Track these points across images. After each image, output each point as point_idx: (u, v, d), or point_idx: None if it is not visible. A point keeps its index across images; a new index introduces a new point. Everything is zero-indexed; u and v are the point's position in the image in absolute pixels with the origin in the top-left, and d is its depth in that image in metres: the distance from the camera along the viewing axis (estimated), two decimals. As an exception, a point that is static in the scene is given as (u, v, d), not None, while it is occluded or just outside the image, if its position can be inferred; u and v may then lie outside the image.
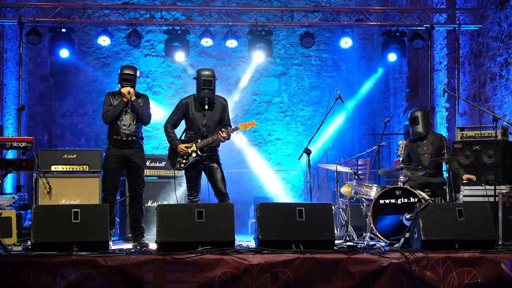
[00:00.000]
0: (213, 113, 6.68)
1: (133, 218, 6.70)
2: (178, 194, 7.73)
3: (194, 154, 6.57)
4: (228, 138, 6.61)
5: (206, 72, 6.69)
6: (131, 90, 6.63)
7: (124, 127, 6.60)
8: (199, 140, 6.60)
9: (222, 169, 6.70)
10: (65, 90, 13.01)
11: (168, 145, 6.78)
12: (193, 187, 6.64)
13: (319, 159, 11.95)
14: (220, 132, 6.55)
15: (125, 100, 6.62)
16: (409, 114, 7.65)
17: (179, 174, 7.71)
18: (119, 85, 6.74)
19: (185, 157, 6.59)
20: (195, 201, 6.56)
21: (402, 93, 12.65)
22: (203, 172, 6.70)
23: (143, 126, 6.81)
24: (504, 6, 8.70)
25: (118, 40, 12.37)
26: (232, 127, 6.69)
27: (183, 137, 6.78)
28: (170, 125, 6.77)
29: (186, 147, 6.59)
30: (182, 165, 6.62)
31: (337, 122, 13.01)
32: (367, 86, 13.31)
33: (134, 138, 6.63)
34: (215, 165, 6.65)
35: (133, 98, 6.63)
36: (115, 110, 6.60)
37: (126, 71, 6.70)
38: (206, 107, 6.59)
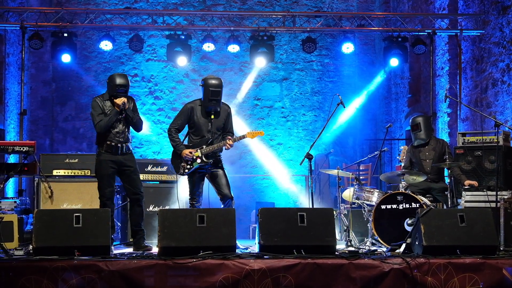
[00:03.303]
0: (218, 120, 6.67)
1: (134, 222, 6.64)
2: (180, 199, 7.71)
3: (198, 160, 6.56)
4: (232, 146, 6.62)
5: (215, 82, 6.56)
6: (126, 100, 6.48)
7: (118, 135, 6.52)
8: (204, 146, 6.59)
9: (226, 173, 6.70)
10: (67, 95, 13.02)
11: (171, 150, 6.76)
12: (195, 192, 6.63)
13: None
14: (227, 140, 6.55)
15: (118, 110, 6.48)
16: (410, 120, 7.64)
17: (181, 179, 7.68)
18: (110, 93, 6.50)
19: (190, 162, 6.59)
20: (197, 206, 6.56)
21: (403, 98, 12.65)
22: (205, 177, 6.70)
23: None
24: (506, 12, 8.71)
25: (120, 45, 12.38)
26: (239, 135, 6.69)
27: (186, 142, 6.78)
28: (175, 129, 6.73)
29: (191, 152, 6.58)
30: (186, 170, 6.61)
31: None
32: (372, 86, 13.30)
33: (127, 144, 6.60)
34: (220, 170, 6.65)
35: (127, 107, 6.48)
36: (109, 120, 6.46)
37: (120, 82, 6.45)
38: (213, 116, 6.59)
